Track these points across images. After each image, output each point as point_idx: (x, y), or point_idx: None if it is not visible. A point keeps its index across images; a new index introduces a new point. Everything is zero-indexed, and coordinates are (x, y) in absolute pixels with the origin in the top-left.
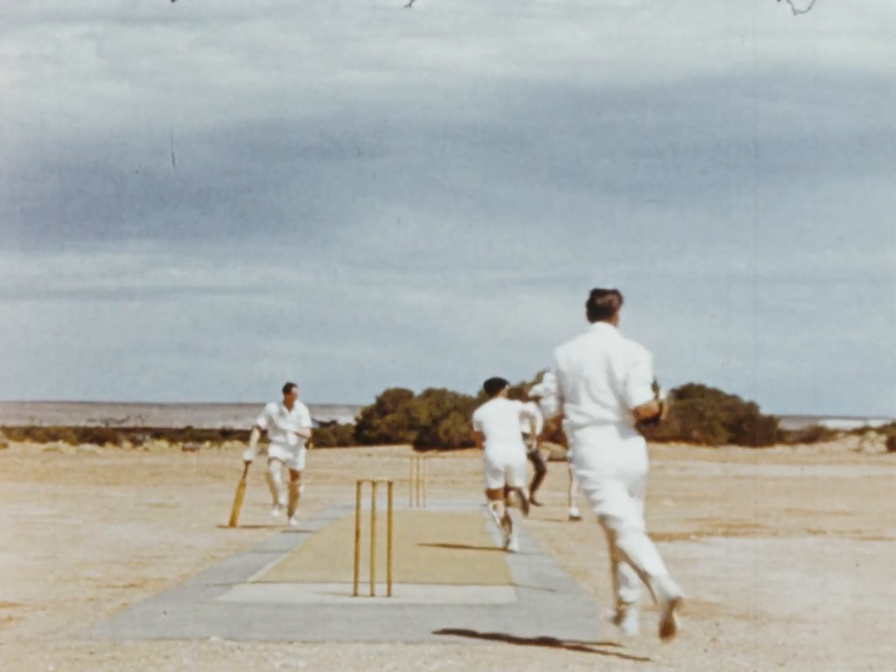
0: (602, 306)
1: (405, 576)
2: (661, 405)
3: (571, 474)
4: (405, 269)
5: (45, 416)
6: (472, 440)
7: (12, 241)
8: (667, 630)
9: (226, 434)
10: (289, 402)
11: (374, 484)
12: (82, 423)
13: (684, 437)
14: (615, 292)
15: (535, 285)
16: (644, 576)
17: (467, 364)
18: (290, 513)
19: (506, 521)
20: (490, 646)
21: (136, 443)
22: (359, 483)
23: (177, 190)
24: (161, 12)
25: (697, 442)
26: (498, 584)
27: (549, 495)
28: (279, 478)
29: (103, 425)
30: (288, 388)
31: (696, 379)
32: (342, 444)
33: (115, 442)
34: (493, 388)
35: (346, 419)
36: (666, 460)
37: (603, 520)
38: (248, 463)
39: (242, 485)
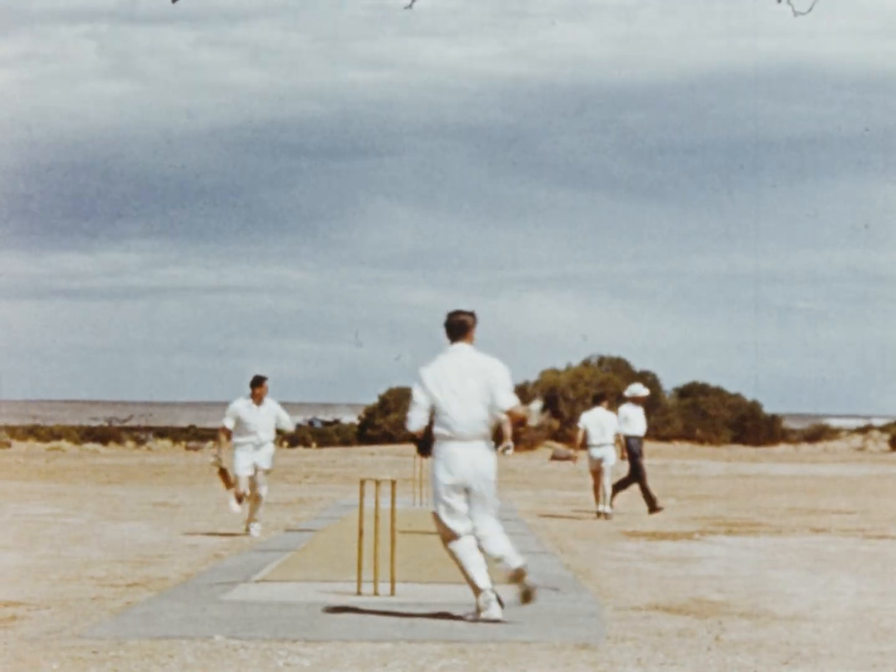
0: (456, 327)
1: (409, 575)
2: (527, 411)
3: (595, 475)
4: (408, 268)
5: (49, 416)
6: None
7: (16, 240)
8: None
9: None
10: (258, 398)
11: (377, 483)
12: (85, 423)
13: (687, 435)
14: (469, 313)
15: (539, 284)
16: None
17: None
18: (251, 518)
19: None
20: (493, 644)
21: (139, 442)
22: (362, 482)
23: (180, 189)
24: (163, 12)
25: (701, 441)
26: (501, 582)
27: (554, 495)
28: (247, 489)
29: (106, 424)
30: (259, 382)
31: (700, 377)
32: (345, 443)
33: (119, 441)
34: None
35: (349, 418)
36: (669, 459)
37: (440, 522)
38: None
39: (220, 468)
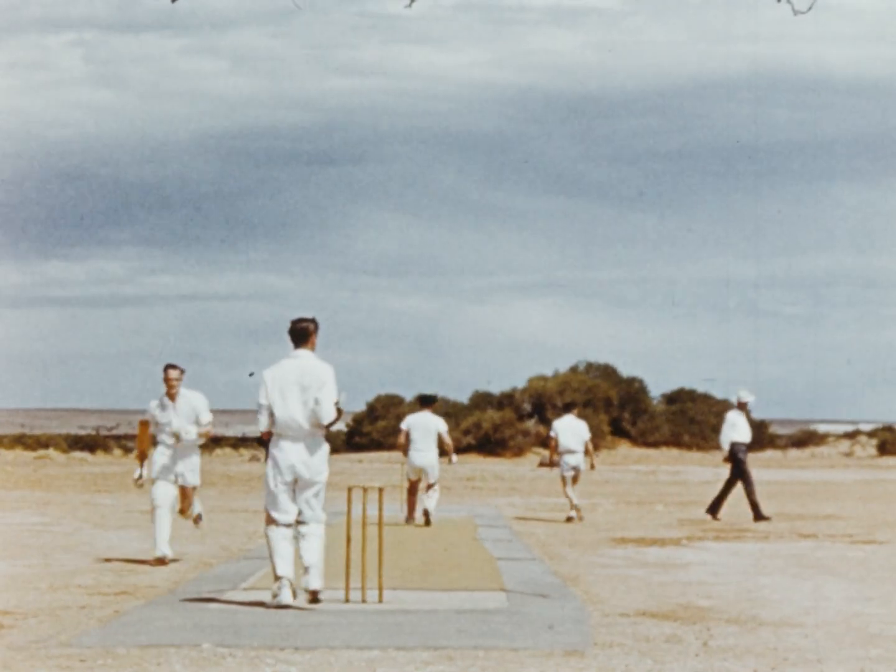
0: (298, 332)
1: (396, 582)
2: (339, 410)
3: (564, 480)
4: (396, 275)
5: (36, 424)
6: (398, 442)
7: (1, 249)
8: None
9: (216, 441)
10: (169, 391)
11: (365, 490)
12: (73, 431)
13: (675, 441)
14: (311, 320)
15: (526, 291)
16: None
17: (458, 370)
18: (191, 514)
19: (414, 505)
20: (482, 651)
21: (126, 450)
22: (350, 489)
23: (167, 197)
24: (150, 20)
25: (688, 447)
26: (489, 589)
27: (542, 501)
28: (167, 513)
29: (94, 432)
30: (164, 371)
31: (687, 383)
32: (333, 450)
33: (106, 449)
34: (426, 402)
35: (337, 425)
36: (657, 465)
37: (266, 509)
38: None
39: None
